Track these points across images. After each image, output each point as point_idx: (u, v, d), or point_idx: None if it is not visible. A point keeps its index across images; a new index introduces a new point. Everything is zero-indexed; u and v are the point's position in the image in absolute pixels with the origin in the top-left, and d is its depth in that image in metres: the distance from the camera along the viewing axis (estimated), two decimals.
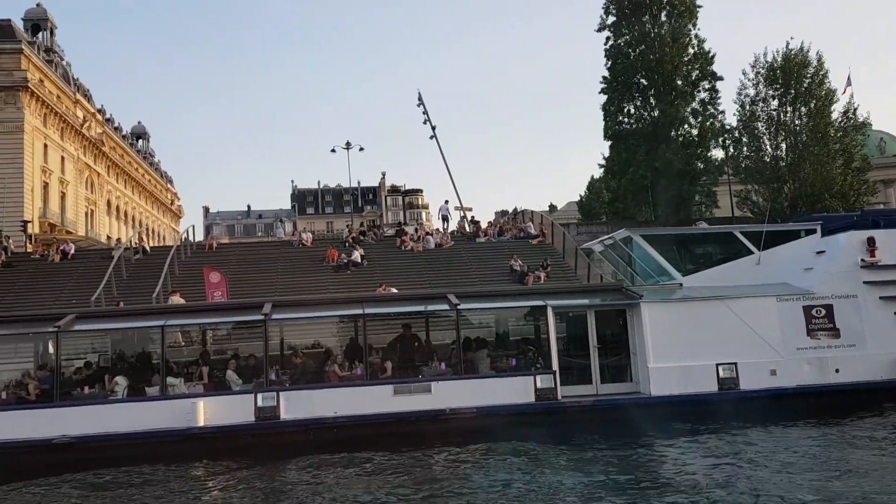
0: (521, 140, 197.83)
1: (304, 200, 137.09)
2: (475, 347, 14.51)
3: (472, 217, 34.20)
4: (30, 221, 49.00)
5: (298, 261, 30.13)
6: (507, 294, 16.80)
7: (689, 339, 14.27)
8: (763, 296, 14.74)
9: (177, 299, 23.23)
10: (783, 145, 37.81)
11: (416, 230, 34.04)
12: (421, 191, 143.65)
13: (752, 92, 38.25)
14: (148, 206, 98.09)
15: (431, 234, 31.56)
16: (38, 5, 70.78)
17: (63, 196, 65.55)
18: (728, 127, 40.04)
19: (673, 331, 14.27)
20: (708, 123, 39.86)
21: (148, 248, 30.94)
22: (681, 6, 39.84)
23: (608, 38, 41.28)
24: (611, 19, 41.27)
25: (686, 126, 39.88)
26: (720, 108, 40.08)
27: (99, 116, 78.42)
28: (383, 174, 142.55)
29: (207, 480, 12.56)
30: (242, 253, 31.92)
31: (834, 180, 36.31)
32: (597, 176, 64.75)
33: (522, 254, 29.98)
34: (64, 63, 71.32)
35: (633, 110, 40.79)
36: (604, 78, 41.24)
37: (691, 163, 39.26)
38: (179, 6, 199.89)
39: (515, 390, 13.76)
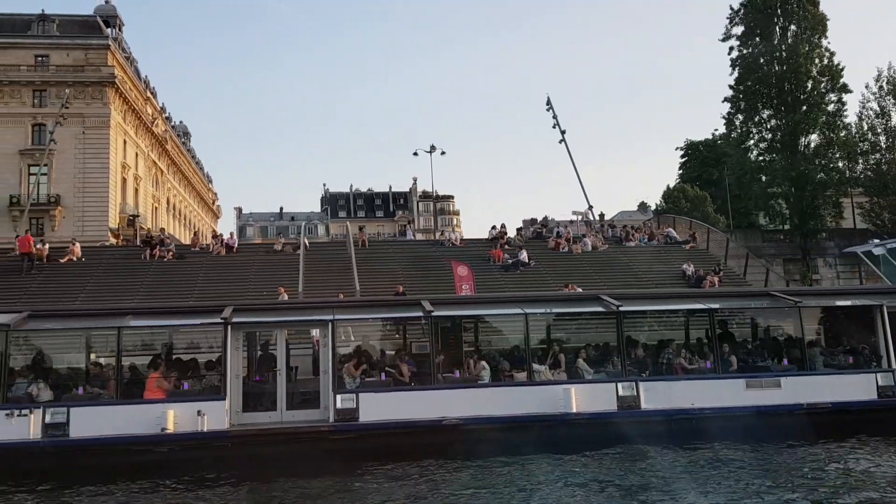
0: (545, 148, 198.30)
1: (336, 204, 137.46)
2: (808, 344, 14.86)
3: (612, 222, 34.51)
4: (138, 216, 49.28)
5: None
6: (835, 293, 17.18)
7: None
8: None
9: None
10: None
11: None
12: (452, 197, 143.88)
13: (875, 106, 38.94)
14: (195, 204, 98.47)
15: (587, 236, 31.95)
16: (106, 2, 70.84)
17: (136, 192, 65.83)
18: (855, 139, 40.69)
19: None
20: (838, 135, 40.47)
21: (307, 244, 31.20)
22: (812, 18, 40.54)
23: (731, 48, 42.01)
24: (736, 30, 42.04)
25: (815, 137, 40.57)
26: (846, 119, 40.85)
27: (162, 115, 78.96)
28: (414, 179, 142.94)
29: (580, 464, 12.88)
30: (395, 251, 32.16)
31: None
32: (672, 185, 65.07)
33: (679, 258, 30.56)
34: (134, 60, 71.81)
35: (760, 120, 41.40)
36: (731, 87, 41.90)
37: (828, 173, 39.88)
38: (214, 9, 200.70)
39: (857, 387, 14.12)
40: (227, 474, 12.21)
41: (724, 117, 42.55)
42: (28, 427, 11.96)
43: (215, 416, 12.43)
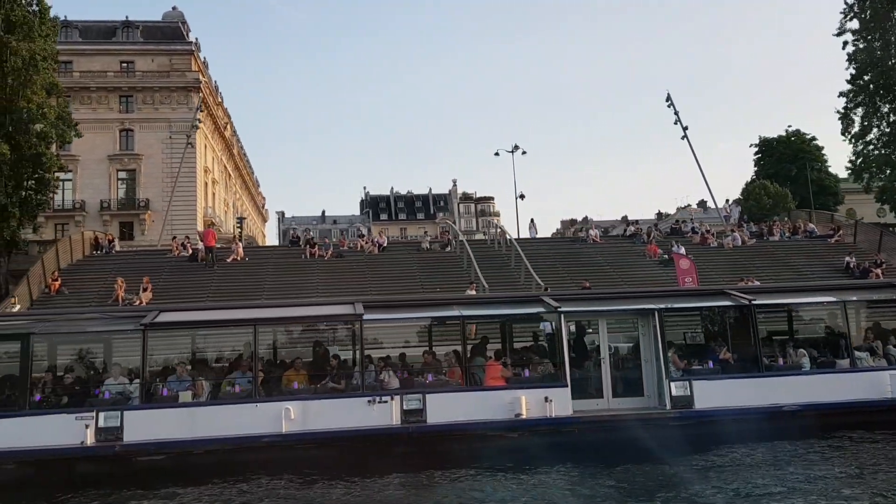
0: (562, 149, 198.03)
1: (377, 206, 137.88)
2: None
3: (744, 217, 34.49)
4: (245, 218, 49.66)
5: (611, 256, 30.61)
6: None
7: None
8: None
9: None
10: None
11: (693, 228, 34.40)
12: (492, 198, 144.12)
13: None
14: (251, 207, 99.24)
15: (734, 231, 31.96)
16: (173, 8, 71.30)
17: (213, 196, 66.37)
18: None
19: None
20: None
21: (455, 241, 31.41)
22: None
23: (846, 43, 41.82)
24: (850, 24, 41.80)
25: None
26: None
27: (230, 119, 79.62)
28: (454, 182, 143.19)
29: None
30: (539, 248, 32.17)
31: None
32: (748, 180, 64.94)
33: (827, 252, 30.61)
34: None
35: (880, 114, 41.12)
36: (847, 81, 41.74)
37: None
38: (250, 12, 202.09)
39: None
40: (572, 458, 12.30)
41: (838, 112, 42.40)
42: (389, 413, 12.14)
43: (560, 402, 12.57)
